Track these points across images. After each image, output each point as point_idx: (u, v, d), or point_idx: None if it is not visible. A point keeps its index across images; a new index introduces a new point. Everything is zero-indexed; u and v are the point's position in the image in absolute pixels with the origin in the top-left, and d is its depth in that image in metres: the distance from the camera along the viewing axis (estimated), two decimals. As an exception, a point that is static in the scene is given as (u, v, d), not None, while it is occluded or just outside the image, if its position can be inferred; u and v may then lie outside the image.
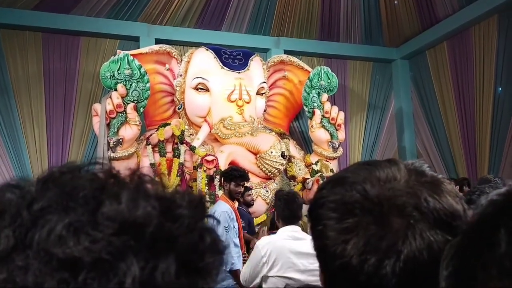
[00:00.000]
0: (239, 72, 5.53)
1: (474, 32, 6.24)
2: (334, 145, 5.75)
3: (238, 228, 3.28)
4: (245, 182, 3.48)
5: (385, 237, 0.53)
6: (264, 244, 2.28)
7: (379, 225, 0.54)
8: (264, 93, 5.82)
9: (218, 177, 4.68)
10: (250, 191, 4.39)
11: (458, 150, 6.49)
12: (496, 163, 5.85)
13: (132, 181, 0.43)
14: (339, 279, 0.58)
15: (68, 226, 0.36)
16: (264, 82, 5.83)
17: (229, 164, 5.14)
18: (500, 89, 5.94)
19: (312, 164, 5.65)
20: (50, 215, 0.36)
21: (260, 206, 4.96)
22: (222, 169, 4.80)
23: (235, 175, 3.32)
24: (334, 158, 5.86)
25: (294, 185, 5.55)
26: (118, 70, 4.90)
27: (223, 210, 3.15)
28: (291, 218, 2.30)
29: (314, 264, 2.20)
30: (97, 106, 4.99)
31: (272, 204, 5.20)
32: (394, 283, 0.52)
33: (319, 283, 2.04)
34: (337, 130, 5.81)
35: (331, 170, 5.55)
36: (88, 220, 0.36)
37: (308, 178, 5.45)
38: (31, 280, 0.34)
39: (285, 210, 2.30)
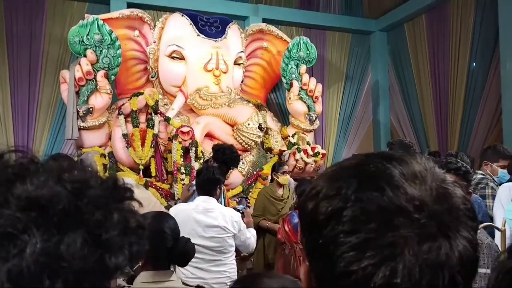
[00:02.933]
0: (216, 40, 5.33)
1: (452, 6, 6.23)
2: (311, 117, 5.73)
3: None
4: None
5: (437, 254, 0.46)
6: (173, 211, 2.56)
7: (428, 241, 0.46)
8: (241, 63, 5.67)
9: (193, 148, 4.59)
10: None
11: (430, 124, 6.62)
12: (465, 139, 6.01)
13: (50, 166, 0.47)
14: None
15: None
16: (242, 51, 5.67)
17: (205, 136, 5.05)
18: (474, 64, 6.02)
19: (289, 136, 5.63)
20: None
21: (236, 178, 4.93)
22: (198, 141, 4.72)
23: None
24: (310, 131, 5.85)
25: (271, 157, 5.54)
26: (88, 35, 4.63)
27: None
28: (205, 190, 2.60)
29: (219, 233, 2.51)
30: (65, 73, 4.73)
31: (248, 175, 5.19)
32: None
33: (221, 246, 2.08)
34: (314, 102, 5.77)
35: (308, 143, 5.55)
36: (1, 200, 0.41)
37: (284, 151, 5.45)
38: None
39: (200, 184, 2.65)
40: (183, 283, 2.36)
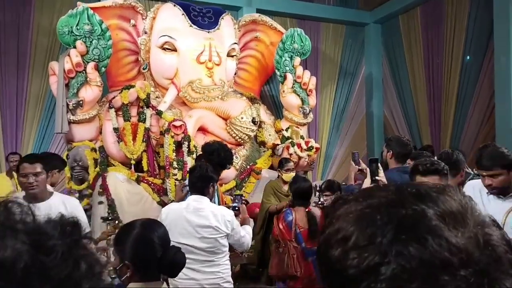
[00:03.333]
0: (208, 32, 5.23)
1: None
2: (305, 110, 5.69)
3: None
4: None
5: None
6: (165, 210, 2.60)
7: None
8: (235, 55, 5.58)
9: (186, 143, 4.52)
10: None
11: (424, 117, 6.62)
12: (458, 132, 6.03)
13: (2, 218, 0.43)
14: None
15: None
16: (235, 43, 5.58)
17: (198, 130, 4.98)
18: (468, 57, 6.01)
19: (283, 130, 5.59)
20: None
21: (229, 173, 4.89)
22: (191, 135, 4.65)
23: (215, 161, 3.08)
24: (304, 124, 5.81)
25: (264, 151, 5.50)
26: (77, 25, 4.51)
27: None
28: (198, 188, 2.57)
29: (211, 233, 2.47)
30: (54, 65, 4.61)
31: (241, 170, 5.15)
32: None
33: (213, 247, 2.37)
34: (308, 95, 5.72)
35: (301, 137, 5.52)
36: None
37: (278, 145, 5.41)
38: None
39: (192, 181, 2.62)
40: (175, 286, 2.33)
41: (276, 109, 6.45)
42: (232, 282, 2.64)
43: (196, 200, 2.55)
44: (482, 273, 0.41)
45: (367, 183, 2.57)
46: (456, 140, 6.01)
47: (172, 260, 1.59)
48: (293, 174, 4.19)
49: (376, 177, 2.62)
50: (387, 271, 0.41)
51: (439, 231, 0.42)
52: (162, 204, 4.46)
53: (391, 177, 2.63)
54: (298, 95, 5.67)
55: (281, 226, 3.14)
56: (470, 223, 0.44)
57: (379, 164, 2.54)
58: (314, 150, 5.41)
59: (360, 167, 2.70)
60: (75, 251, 0.44)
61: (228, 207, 2.81)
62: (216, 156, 3.04)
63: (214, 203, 2.77)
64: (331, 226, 0.48)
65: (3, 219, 0.43)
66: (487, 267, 0.41)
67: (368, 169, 2.61)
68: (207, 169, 2.63)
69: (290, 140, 5.34)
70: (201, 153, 3.55)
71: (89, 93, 4.53)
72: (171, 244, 1.66)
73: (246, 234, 2.63)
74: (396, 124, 7.17)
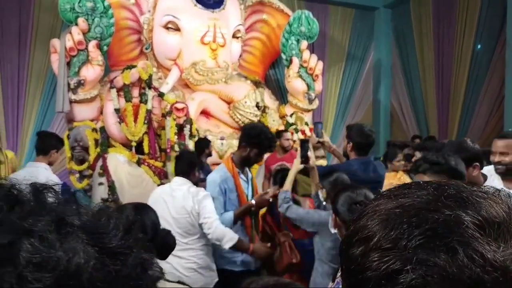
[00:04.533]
0: (213, 11, 5.10)
1: (461, -16, 5.99)
2: (310, 96, 5.58)
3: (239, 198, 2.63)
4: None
5: None
6: (152, 193, 2.70)
7: None
8: (240, 36, 5.45)
9: (188, 126, 4.46)
10: (209, 143, 4.22)
11: (431, 106, 6.50)
12: (466, 122, 5.92)
13: (51, 208, 0.37)
14: None
15: None
16: (241, 24, 5.44)
17: (200, 113, 4.90)
18: (479, 46, 5.85)
19: (287, 115, 5.50)
20: None
21: (231, 157, 4.83)
22: (193, 118, 4.58)
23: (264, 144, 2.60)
24: (309, 111, 5.71)
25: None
26: (79, 2, 4.39)
27: (211, 178, 2.62)
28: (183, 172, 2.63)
29: (181, 214, 2.46)
30: (55, 42, 4.52)
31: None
32: None
33: (184, 227, 2.46)
34: (314, 81, 5.60)
35: (306, 123, 5.43)
36: (12, 272, 0.31)
37: (282, 131, 5.32)
38: None
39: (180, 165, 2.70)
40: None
41: (281, 94, 6.33)
42: (215, 269, 2.54)
43: (176, 182, 2.59)
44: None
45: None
46: (463, 130, 5.91)
47: (163, 242, 1.60)
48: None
49: (320, 139, 2.62)
50: (406, 280, 0.36)
51: (473, 243, 0.37)
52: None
53: (350, 168, 2.42)
54: (304, 80, 5.55)
55: (268, 219, 3.09)
56: None
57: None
58: (318, 137, 5.32)
59: (321, 139, 2.61)
60: (139, 253, 0.39)
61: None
62: (264, 138, 2.60)
63: (247, 189, 2.70)
64: (357, 223, 0.44)
65: (58, 215, 0.36)
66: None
67: (329, 142, 2.57)
68: (194, 155, 2.80)
69: (294, 127, 5.26)
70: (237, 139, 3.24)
71: (91, 72, 4.45)
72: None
73: (214, 221, 2.39)
74: (403, 113, 7.05)
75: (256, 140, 2.55)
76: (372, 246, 0.40)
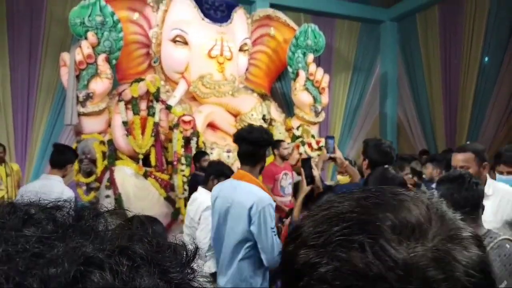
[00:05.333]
0: (221, 25, 5.16)
1: (467, -2, 6.00)
2: (317, 109, 5.59)
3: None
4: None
5: None
6: None
7: None
8: (247, 50, 5.50)
9: (195, 139, 4.47)
10: (206, 156, 4.21)
11: (439, 120, 6.47)
12: (474, 135, 5.87)
13: (107, 235, 0.33)
14: None
15: None
16: (248, 38, 5.50)
17: (207, 126, 4.93)
18: (486, 59, 5.84)
19: (293, 128, 5.50)
20: None
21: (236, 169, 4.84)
22: (200, 131, 4.60)
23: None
24: (315, 123, 5.71)
25: (273, 149, 5.42)
26: (89, 16, 4.48)
27: (266, 202, 2.02)
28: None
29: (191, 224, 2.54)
30: (65, 56, 4.60)
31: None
32: None
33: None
34: (320, 94, 5.62)
35: (312, 136, 5.43)
36: None
37: (279, 140, 5.32)
38: None
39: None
40: None
41: (287, 106, 6.35)
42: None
43: (197, 191, 2.70)
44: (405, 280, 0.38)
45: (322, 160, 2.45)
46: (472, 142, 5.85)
47: None
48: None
49: (331, 155, 2.53)
50: (321, 271, 0.41)
51: (382, 242, 0.40)
52: (169, 200, 4.43)
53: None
54: (310, 93, 5.57)
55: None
56: (430, 235, 0.41)
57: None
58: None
59: (332, 155, 2.52)
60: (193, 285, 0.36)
61: None
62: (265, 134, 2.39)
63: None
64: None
65: (113, 235, 0.32)
66: (434, 283, 0.38)
67: (341, 158, 2.50)
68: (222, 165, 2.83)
69: (301, 139, 5.26)
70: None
71: (99, 85, 4.50)
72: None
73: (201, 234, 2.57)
74: (410, 126, 7.02)
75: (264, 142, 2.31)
76: (300, 243, 0.45)
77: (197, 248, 0.39)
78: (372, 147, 2.35)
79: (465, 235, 0.43)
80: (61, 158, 2.91)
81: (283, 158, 4.33)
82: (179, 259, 0.36)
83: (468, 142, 3.16)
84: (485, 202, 2.15)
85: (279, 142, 4.42)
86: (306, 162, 2.26)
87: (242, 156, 2.16)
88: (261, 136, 2.18)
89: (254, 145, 2.13)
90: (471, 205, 1.58)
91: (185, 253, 0.37)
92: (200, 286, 0.37)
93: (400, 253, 0.39)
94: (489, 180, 2.22)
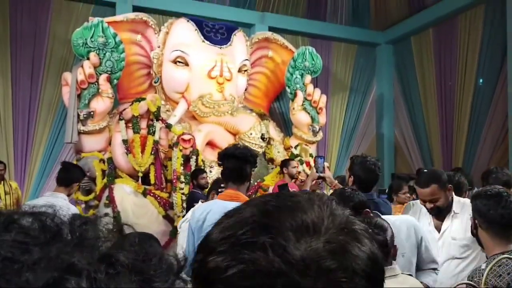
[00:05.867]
0: (221, 47, 5.28)
1: (460, 21, 6.18)
2: (315, 129, 5.66)
3: None
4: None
5: None
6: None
7: None
8: (246, 70, 5.61)
9: (194, 157, 4.51)
10: (204, 173, 4.23)
11: (435, 139, 6.54)
12: (470, 156, 5.93)
13: (94, 244, 0.34)
14: None
15: None
16: (247, 59, 5.61)
17: (206, 144, 4.97)
18: (481, 80, 5.96)
19: (291, 147, 5.56)
20: None
21: (236, 188, 4.85)
22: (199, 149, 4.64)
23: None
24: (313, 142, 5.78)
25: (272, 168, 5.45)
26: (92, 37, 4.58)
27: None
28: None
29: None
30: (67, 75, 4.68)
31: (249, 186, 5.10)
32: None
33: None
34: (318, 113, 5.71)
35: (310, 155, 5.47)
36: None
37: (289, 159, 5.36)
38: None
39: None
40: None
41: (286, 126, 6.42)
42: None
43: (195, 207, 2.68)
44: (321, 276, 0.43)
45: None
46: (468, 164, 5.90)
47: None
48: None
49: (321, 174, 2.51)
50: (229, 274, 0.43)
51: (281, 241, 0.44)
52: (168, 218, 4.43)
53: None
54: (308, 112, 5.65)
55: None
56: (322, 231, 0.46)
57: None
58: (323, 168, 5.35)
59: (321, 174, 2.51)
60: None
61: None
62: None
63: None
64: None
65: (101, 244, 0.34)
66: (330, 272, 0.43)
67: (331, 177, 2.47)
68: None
69: (299, 158, 5.30)
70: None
71: (101, 104, 4.57)
72: None
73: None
74: (407, 146, 7.09)
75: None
76: (208, 251, 0.47)
77: (186, 259, 0.41)
78: (358, 164, 2.36)
79: (355, 227, 0.47)
80: (68, 176, 2.88)
81: (292, 177, 4.43)
82: (166, 269, 0.37)
83: (425, 170, 3.06)
84: (455, 220, 2.19)
85: (288, 161, 4.49)
86: (283, 188, 2.30)
87: (230, 173, 2.10)
88: (249, 152, 2.18)
89: (241, 160, 2.09)
90: (506, 222, 1.59)
91: (176, 262, 0.38)
92: None
93: (298, 249, 0.43)
94: (456, 198, 2.23)
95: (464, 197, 2.62)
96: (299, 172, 4.97)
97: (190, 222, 2.14)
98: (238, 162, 2.09)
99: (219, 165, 2.24)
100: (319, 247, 0.44)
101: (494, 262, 1.47)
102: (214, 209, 2.05)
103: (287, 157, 5.47)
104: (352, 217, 0.49)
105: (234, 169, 2.09)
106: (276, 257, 0.42)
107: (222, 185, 4.00)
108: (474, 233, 1.72)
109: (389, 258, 1.50)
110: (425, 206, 2.18)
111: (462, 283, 1.45)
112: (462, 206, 2.21)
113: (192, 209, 2.43)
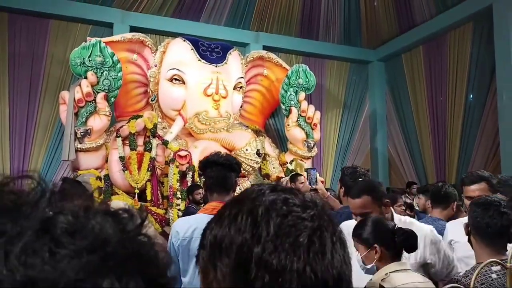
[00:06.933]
0: (216, 66, 5.39)
1: (449, 38, 6.35)
2: (309, 144, 5.73)
3: None
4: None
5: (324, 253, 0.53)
6: None
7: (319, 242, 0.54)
8: (241, 87, 5.72)
9: (190, 173, 4.54)
10: (200, 189, 4.24)
11: (428, 154, 6.63)
12: (464, 169, 6.00)
13: (75, 195, 0.40)
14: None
15: (25, 247, 0.32)
16: (242, 77, 5.72)
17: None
18: (471, 96, 6.09)
19: (287, 163, 5.61)
20: None
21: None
22: (195, 165, 4.67)
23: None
24: (308, 158, 5.84)
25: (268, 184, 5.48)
26: (89, 57, 4.67)
27: None
28: None
29: None
30: (65, 94, 4.74)
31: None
32: None
33: None
34: (313, 129, 5.79)
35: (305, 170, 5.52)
36: (48, 239, 0.33)
37: (282, 177, 5.41)
38: None
39: None
40: None
41: (281, 142, 6.50)
42: None
43: None
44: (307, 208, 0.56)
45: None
46: (462, 175, 5.96)
47: None
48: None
49: (313, 186, 2.50)
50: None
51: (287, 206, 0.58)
52: (164, 234, 4.41)
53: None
54: (303, 129, 5.73)
55: None
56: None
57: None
58: (318, 183, 5.39)
59: (313, 186, 2.48)
60: (152, 240, 0.41)
61: None
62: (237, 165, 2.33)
63: None
64: None
65: (83, 199, 0.39)
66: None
67: (323, 189, 2.45)
68: None
69: (294, 173, 5.34)
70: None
71: (97, 122, 4.61)
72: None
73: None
74: (401, 160, 7.17)
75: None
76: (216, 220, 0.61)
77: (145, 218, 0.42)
78: (348, 175, 2.41)
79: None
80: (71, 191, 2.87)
81: None
82: (134, 219, 0.40)
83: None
84: None
85: (296, 176, 4.44)
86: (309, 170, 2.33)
87: (214, 183, 1.92)
88: (233, 159, 2.03)
89: (226, 168, 1.94)
90: (493, 232, 1.56)
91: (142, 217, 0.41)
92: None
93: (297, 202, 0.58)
94: (397, 217, 1.99)
95: (452, 208, 2.66)
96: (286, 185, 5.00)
97: (172, 240, 1.92)
98: (222, 170, 1.93)
99: (200, 175, 2.07)
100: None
101: (477, 270, 1.48)
102: (200, 226, 1.80)
103: (283, 173, 5.52)
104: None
105: (218, 177, 1.92)
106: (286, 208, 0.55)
107: (199, 190, 3.95)
108: (468, 239, 1.76)
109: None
110: (355, 220, 1.89)
111: (450, 286, 1.49)
112: (403, 224, 1.87)
113: (173, 225, 2.17)
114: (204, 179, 2.06)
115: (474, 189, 2.29)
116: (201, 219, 1.90)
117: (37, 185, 0.40)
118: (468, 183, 2.33)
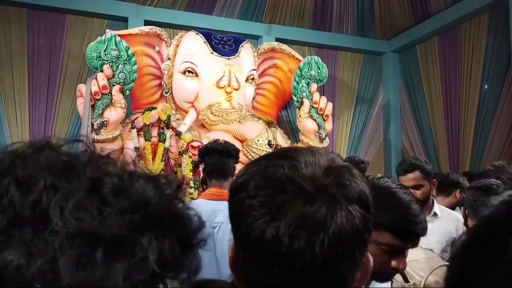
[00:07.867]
0: (229, 58, 5.45)
1: (464, 29, 6.26)
2: (321, 135, 5.75)
3: None
4: None
5: (316, 214, 0.56)
6: None
7: (310, 203, 0.56)
8: (253, 79, 5.77)
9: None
10: None
11: (442, 145, 6.58)
12: (477, 161, 5.95)
13: (120, 160, 0.46)
14: (261, 259, 0.58)
15: (77, 203, 0.36)
16: (254, 69, 5.77)
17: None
18: (486, 87, 6.01)
19: (298, 154, 5.65)
20: (48, 193, 0.37)
21: (245, 194, 4.95)
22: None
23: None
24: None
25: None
26: (105, 51, 4.78)
27: None
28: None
29: None
30: (82, 87, 4.88)
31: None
32: (321, 259, 0.54)
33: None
34: (324, 120, 5.80)
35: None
36: (97, 198, 0.38)
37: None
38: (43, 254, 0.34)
39: None
40: None
41: (293, 133, 6.54)
42: None
43: None
44: (321, 188, 0.61)
45: None
46: (475, 168, 5.91)
47: None
48: None
49: None
50: (252, 182, 0.63)
51: (296, 166, 0.63)
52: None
53: None
54: (315, 120, 5.75)
55: None
56: (323, 162, 0.66)
57: None
58: (330, 174, 5.42)
59: None
60: (185, 204, 0.49)
61: None
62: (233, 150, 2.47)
63: None
64: None
65: (124, 164, 0.45)
66: (327, 186, 0.61)
67: None
68: None
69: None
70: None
71: (113, 114, 4.73)
72: None
73: None
74: (414, 152, 7.12)
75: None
76: (236, 179, 0.69)
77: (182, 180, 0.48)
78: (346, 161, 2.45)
79: (339, 164, 0.65)
80: None
81: None
82: (169, 181, 0.46)
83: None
84: (433, 224, 2.17)
85: None
86: None
87: (213, 169, 2.02)
88: (231, 146, 2.12)
89: (224, 154, 2.04)
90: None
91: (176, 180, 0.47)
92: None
93: (307, 171, 0.60)
94: (437, 205, 2.19)
95: (455, 195, 2.69)
96: None
97: None
98: (220, 156, 2.04)
99: (200, 162, 2.16)
100: (321, 171, 0.60)
101: None
102: (202, 211, 1.91)
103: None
104: (351, 165, 0.66)
105: (216, 164, 2.04)
106: (291, 171, 0.59)
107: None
108: (466, 224, 1.80)
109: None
110: None
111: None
112: (443, 212, 2.17)
113: None
114: (203, 166, 2.12)
115: (408, 179, 2.21)
116: (203, 206, 1.99)
117: (87, 149, 0.46)
118: (402, 173, 2.26)
